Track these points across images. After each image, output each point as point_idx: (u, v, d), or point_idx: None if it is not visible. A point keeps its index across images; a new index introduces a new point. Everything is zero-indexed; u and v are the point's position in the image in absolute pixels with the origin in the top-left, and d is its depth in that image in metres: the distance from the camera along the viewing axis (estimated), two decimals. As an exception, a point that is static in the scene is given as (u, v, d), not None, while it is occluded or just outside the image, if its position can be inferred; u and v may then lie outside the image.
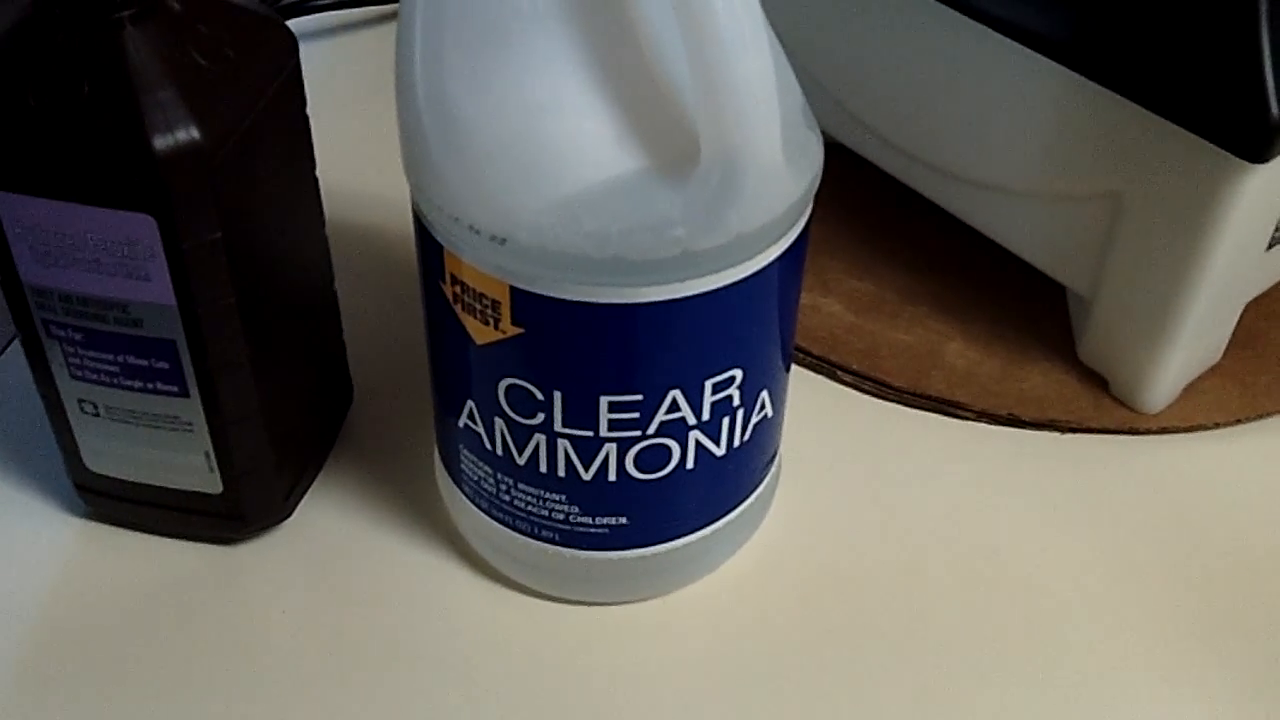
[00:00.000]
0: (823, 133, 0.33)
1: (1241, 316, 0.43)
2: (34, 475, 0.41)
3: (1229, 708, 0.36)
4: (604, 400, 0.32)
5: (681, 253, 0.29)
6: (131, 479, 0.37)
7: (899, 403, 0.44)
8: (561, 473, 0.34)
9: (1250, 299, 0.43)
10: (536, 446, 0.33)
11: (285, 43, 0.34)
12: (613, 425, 0.33)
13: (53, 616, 0.37)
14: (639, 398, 0.32)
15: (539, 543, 0.36)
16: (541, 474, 0.34)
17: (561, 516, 0.35)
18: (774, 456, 0.38)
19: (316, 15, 0.60)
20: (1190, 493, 0.41)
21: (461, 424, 0.35)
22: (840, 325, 0.46)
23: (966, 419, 0.43)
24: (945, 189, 0.46)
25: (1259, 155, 0.35)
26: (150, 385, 0.34)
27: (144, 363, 0.34)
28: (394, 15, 0.62)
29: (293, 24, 0.51)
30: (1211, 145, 0.36)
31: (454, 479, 0.37)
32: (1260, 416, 0.43)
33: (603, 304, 0.30)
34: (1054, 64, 0.39)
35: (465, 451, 0.35)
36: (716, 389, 0.33)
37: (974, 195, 0.44)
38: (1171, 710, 0.36)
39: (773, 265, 0.31)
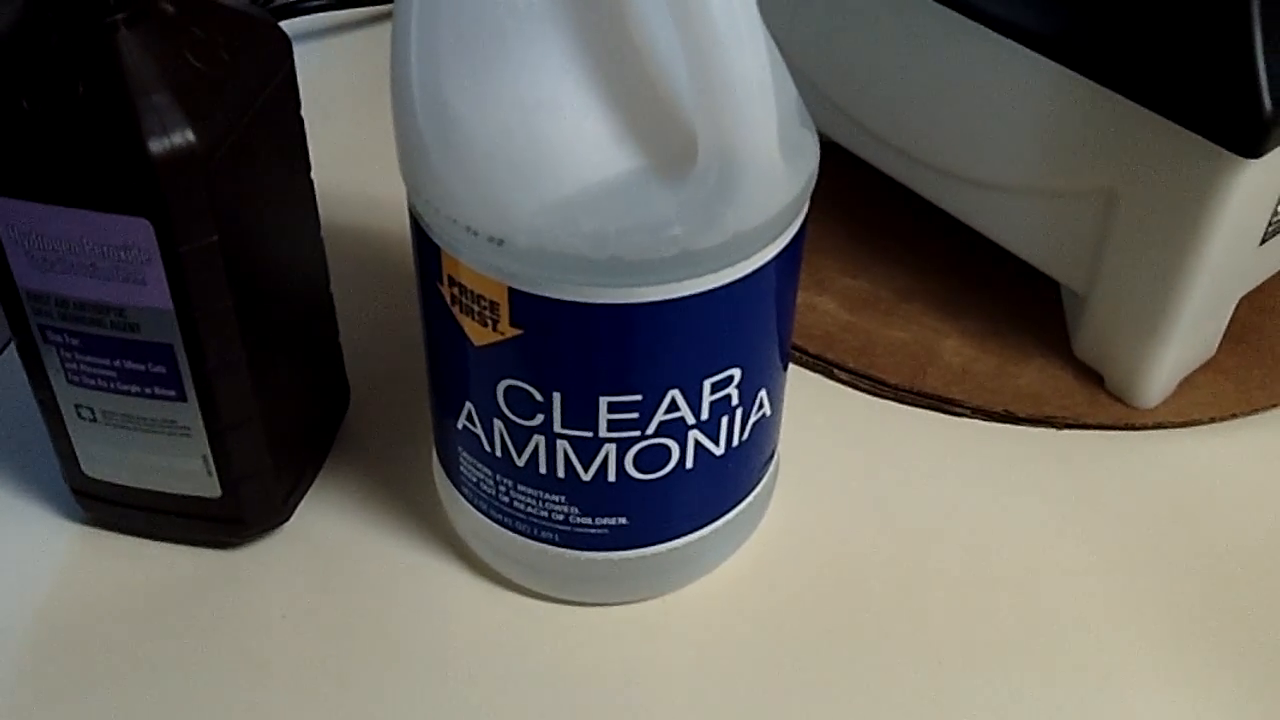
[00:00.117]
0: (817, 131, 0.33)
1: (1235, 311, 0.43)
2: (30, 481, 0.40)
3: (1225, 700, 0.36)
4: (603, 401, 0.32)
5: (679, 252, 0.29)
6: (129, 484, 0.37)
7: (895, 400, 0.44)
8: (561, 474, 0.34)
9: (1244, 293, 0.43)
10: (536, 447, 0.33)
11: (279, 45, 0.34)
12: (612, 425, 0.33)
13: (51, 623, 0.37)
14: (638, 398, 0.32)
15: (538, 544, 0.36)
16: (541, 475, 0.34)
17: (561, 517, 0.35)
18: (772, 455, 0.38)
19: (307, 17, 0.60)
20: (1185, 487, 0.41)
21: (460, 426, 0.35)
22: (835, 323, 0.46)
23: (962, 416, 0.44)
24: (939, 186, 0.46)
25: (1253, 150, 0.36)
26: (147, 390, 0.34)
27: (141, 367, 0.34)
28: (385, 16, 0.62)
29: (284, 25, 0.51)
30: (1205, 140, 0.36)
31: (452, 481, 0.37)
32: (1255, 411, 0.43)
33: (601, 304, 0.30)
34: (1047, 60, 0.39)
35: (464, 453, 0.35)
36: (715, 388, 0.33)
37: (968, 192, 0.45)
38: (1168, 703, 0.36)
39: (770, 264, 0.31)
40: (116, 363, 0.34)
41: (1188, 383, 0.44)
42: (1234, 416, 0.43)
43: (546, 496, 0.34)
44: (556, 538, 0.35)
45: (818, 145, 0.32)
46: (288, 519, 0.39)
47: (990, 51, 0.40)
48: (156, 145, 0.30)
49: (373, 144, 0.51)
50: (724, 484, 0.36)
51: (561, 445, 0.33)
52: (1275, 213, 0.40)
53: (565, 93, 0.29)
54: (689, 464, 0.34)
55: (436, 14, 0.29)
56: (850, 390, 0.44)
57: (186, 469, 0.36)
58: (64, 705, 0.35)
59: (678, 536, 0.36)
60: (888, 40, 0.44)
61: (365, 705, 0.35)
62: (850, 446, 0.43)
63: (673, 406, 0.33)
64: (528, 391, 0.32)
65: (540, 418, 0.33)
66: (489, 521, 0.36)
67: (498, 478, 0.35)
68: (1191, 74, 0.36)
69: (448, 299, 0.32)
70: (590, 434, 0.33)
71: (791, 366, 0.44)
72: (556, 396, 0.32)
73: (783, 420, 0.38)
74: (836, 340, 0.45)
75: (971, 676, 0.36)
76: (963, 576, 0.39)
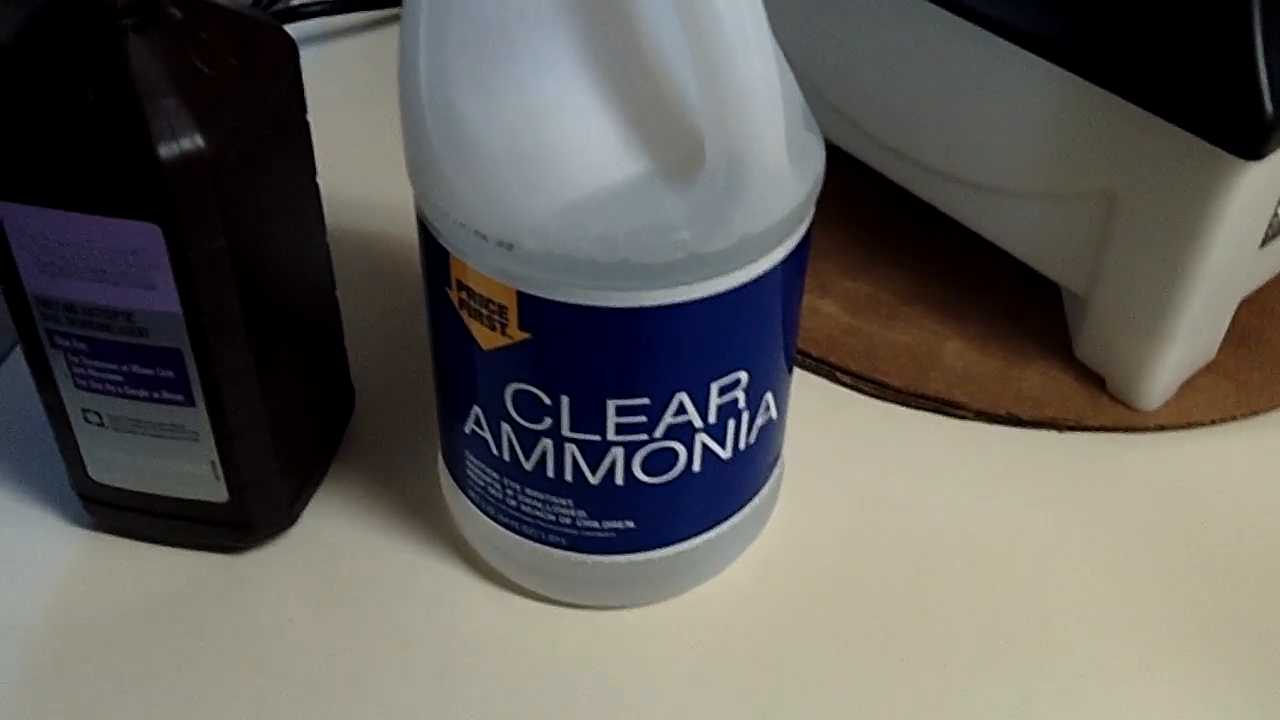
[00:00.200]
0: (823, 135, 0.33)
1: (1235, 314, 0.44)
2: (36, 486, 0.40)
3: (1225, 703, 0.36)
4: (611, 404, 0.32)
5: (688, 256, 0.30)
6: (135, 489, 0.37)
7: (898, 403, 0.44)
8: (569, 477, 0.34)
9: (1244, 296, 0.43)
10: (544, 451, 0.33)
11: (286, 49, 0.34)
12: (620, 429, 0.33)
13: (57, 628, 0.37)
14: (646, 401, 0.32)
15: (545, 547, 0.36)
16: (549, 479, 0.34)
17: (568, 521, 0.35)
18: (777, 459, 0.38)
19: (305, 21, 0.60)
20: (1186, 489, 0.42)
21: (467, 430, 0.35)
22: (838, 327, 0.46)
23: (965, 418, 0.44)
24: (939, 189, 0.46)
25: (1253, 152, 0.36)
26: (155, 394, 0.34)
27: (149, 372, 0.34)
28: (384, 21, 0.62)
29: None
30: (1206, 143, 0.36)
31: (459, 485, 0.37)
32: (1255, 413, 0.44)
33: (609, 308, 0.30)
34: (1048, 64, 0.39)
35: (471, 457, 0.35)
36: (722, 391, 0.33)
37: (969, 195, 0.45)
38: (1168, 707, 0.36)
39: (777, 267, 0.31)
40: (124, 367, 0.34)
41: (1188, 385, 0.44)
42: (1234, 419, 0.43)
43: (554, 500, 0.35)
44: (563, 541, 0.35)
45: (823, 148, 0.32)
46: (294, 523, 0.39)
47: (991, 55, 0.41)
48: (166, 150, 0.30)
49: (372, 147, 0.51)
50: (730, 487, 0.36)
51: (569, 449, 0.33)
52: (1276, 215, 0.40)
53: (573, 97, 0.29)
54: (696, 467, 0.34)
55: (445, 20, 0.29)
56: (853, 393, 0.45)
57: (193, 473, 0.36)
58: (71, 710, 0.35)
59: (684, 540, 0.36)
60: (888, 43, 0.45)
61: (372, 709, 0.35)
62: (854, 449, 0.43)
63: (680, 410, 0.33)
64: (536, 395, 0.32)
65: (548, 421, 0.33)
66: (495, 525, 0.36)
67: (505, 481, 0.35)
68: (1192, 76, 0.36)
69: (456, 303, 0.32)
70: (598, 437, 0.33)
71: (795, 370, 0.45)
72: (565, 400, 0.32)
73: (787, 424, 0.38)
74: (839, 344, 0.45)
75: (975, 679, 0.36)
76: (966, 579, 0.39)
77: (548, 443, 0.33)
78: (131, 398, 0.34)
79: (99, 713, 0.35)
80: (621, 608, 0.38)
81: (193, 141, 0.30)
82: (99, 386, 0.34)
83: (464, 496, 0.37)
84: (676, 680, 0.36)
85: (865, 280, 0.48)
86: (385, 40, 0.61)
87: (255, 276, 0.33)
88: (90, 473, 0.37)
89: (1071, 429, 0.43)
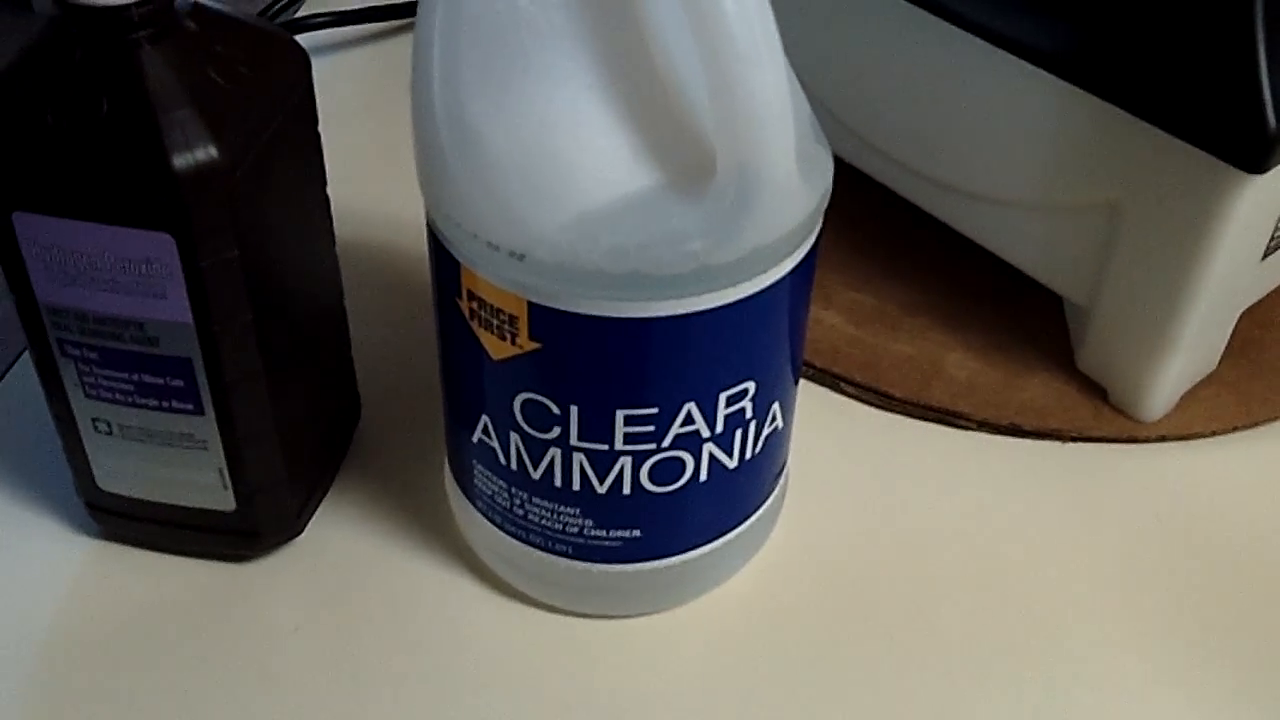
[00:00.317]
0: (830, 147, 0.33)
1: (1237, 325, 0.44)
2: (43, 495, 0.40)
3: (1227, 710, 0.36)
4: (620, 414, 0.32)
5: (698, 267, 0.30)
6: (144, 497, 0.37)
7: (901, 414, 0.44)
8: (576, 486, 0.34)
9: (1246, 307, 0.44)
10: (552, 460, 0.34)
11: (298, 60, 0.34)
12: (628, 438, 0.33)
13: (64, 636, 0.37)
14: (654, 411, 0.32)
15: (552, 556, 0.36)
16: (556, 488, 0.34)
17: (575, 530, 0.35)
18: (783, 468, 0.38)
19: (315, 33, 0.60)
20: (1188, 499, 0.42)
21: (475, 439, 0.35)
22: (842, 338, 0.46)
23: (968, 429, 0.44)
24: (944, 201, 0.46)
25: (1256, 166, 0.36)
26: (165, 403, 0.34)
27: (160, 381, 0.34)
28: (393, 32, 0.62)
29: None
30: (1209, 156, 0.37)
31: (466, 494, 0.37)
32: (1255, 424, 0.44)
33: (619, 318, 0.30)
34: (1051, 76, 0.39)
35: (479, 466, 0.36)
36: (730, 401, 0.33)
37: (972, 207, 0.45)
38: (1170, 713, 0.36)
39: (786, 278, 0.32)
40: (135, 376, 0.34)
41: (1190, 396, 0.44)
42: (1235, 430, 0.44)
43: (561, 509, 0.35)
44: (570, 550, 0.36)
45: (832, 160, 0.33)
46: (301, 532, 0.39)
47: (995, 68, 0.41)
48: (180, 160, 0.30)
49: (380, 159, 0.52)
50: (736, 497, 0.36)
51: (578, 458, 0.33)
52: (1277, 228, 0.40)
53: (586, 109, 0.29)
54: (703, 477, 0.34)
55: (458, 32, 0.30)
56: (857, 404, 0.45)
57: (202, 482, 0.36)
58: (78, 719, 0.35)
59: (690, 549, 0.36)
60: (892, 56, 0.45)
61: (378, 718, 0.35)
62: (858, 459, 0.43)
63: (688, 419, 0.33)
64: (545, 405, 0.32)
65: (557, 431, 0.33)
66: (502, 534, 0.36)
67: (512, 490, 0.35)
68: (1196, 89, 0.36)
69: (466, 313, 0.32)
70: (606, 447, 0.33)
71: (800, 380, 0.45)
72: (574, 410, 0.32)
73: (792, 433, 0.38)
74: (843, 354, 0.46)
75: (979, 688, 0.36)
76: (970, 588, 0.39)
77: (556, 452, 0.33)
78: (141, 407, 0.34)
79: (107, 721, 0.35)
80: (627, 616, 0.38)
81: (206, 152, 0.30)
82: (109, 395, 0.34)
83: (471, 505, 0.37)
84: (682, 689, 0.36)
85: (869, 291, 0.48)
86: (394, 51, 0.61)
87: (266, 286, 0.33)
88: (98, 481, 0.37)
89: (1074, 439, 0.44)
